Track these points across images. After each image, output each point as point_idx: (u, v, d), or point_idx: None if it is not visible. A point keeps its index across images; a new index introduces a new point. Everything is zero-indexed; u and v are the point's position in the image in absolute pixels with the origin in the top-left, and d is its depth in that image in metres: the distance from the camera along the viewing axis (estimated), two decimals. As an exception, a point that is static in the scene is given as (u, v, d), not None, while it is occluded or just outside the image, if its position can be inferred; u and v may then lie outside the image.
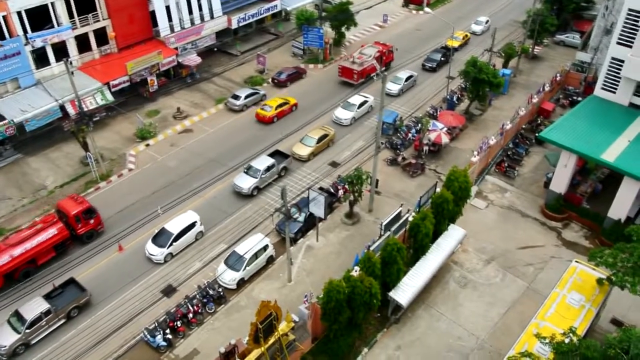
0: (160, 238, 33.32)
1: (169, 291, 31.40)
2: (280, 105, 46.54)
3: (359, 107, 46.74)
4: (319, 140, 42.53)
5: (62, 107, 42.14)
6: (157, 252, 32.75)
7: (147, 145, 43.52)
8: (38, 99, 41.91)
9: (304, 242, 34.72)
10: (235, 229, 35.60)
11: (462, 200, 32.28)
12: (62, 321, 29.43)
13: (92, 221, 34.07)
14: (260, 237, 32.17)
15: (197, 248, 34.29)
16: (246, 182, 37.91)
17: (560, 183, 36.71)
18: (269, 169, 38.67)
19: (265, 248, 32.51)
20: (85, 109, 40.44)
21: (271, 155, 40.15)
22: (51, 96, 42.12)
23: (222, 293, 30.69)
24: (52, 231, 32.02)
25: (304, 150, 41.88)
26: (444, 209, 30.72)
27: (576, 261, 29.08)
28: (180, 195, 38.10)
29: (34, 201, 38.05)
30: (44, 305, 28.59)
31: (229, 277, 31.05)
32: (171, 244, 32.91)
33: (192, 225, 34.08)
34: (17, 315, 28.40)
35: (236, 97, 47.84)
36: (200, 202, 37.50)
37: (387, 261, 27.54)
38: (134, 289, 31.59)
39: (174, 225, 33.69)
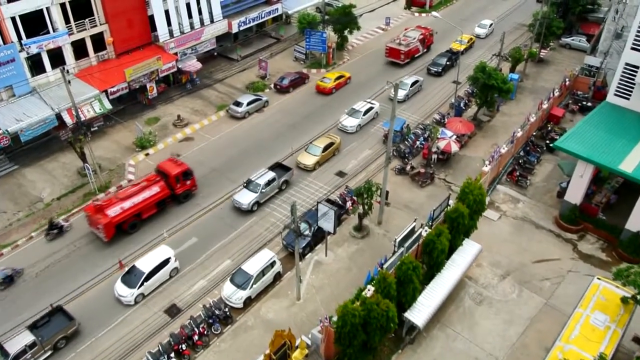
0: (130, 277, 30.45)
1: (172, 312, 30.00)
2: (337, 78, 51.08)
3: (364, 114, 45.47)
4: (325, 149, 41.17)
5: (58, 116, 40.70)
6: (127, 293, 29.94)
7: (147, 154, 42.14)
8: (33, 107, 40.46)
9: (312, 257, 33.42)
10: (241, 244, 34.21)
11: (476, 213, 31.03)
12: (49, 353, 27.74)
13: (188, 182, 37.00)
14: (268, 254, 30.88)
15: (202, 265, 32.90)
16: (246, 198, 36.24)
17: (575, 193, 35.53)
18: (269, 183, 36.96)
19: (272, 264, 31.18)
20: (83, 118, 39.10)
21: (271, 168, 38.37)
22: (47, 105, 40.68)
23: (228, 313, 29.35)
24: (155, 189, 35.07)
25: (309, 160, 40.51)
26: (460, 224, 29.49)
27: (598, 278, 27.89)
28: (182, 208, 36.74)
29: (30, 215, 36.60)
30: (29, 338, 26.92)
31: (235, 296, 29.69)
32: (142, 284, 30.20)
33: (166, 262, 31.23)
34: (1, 349, 26.73)
35: (238, 104, 46.51)
36: (204, 216, 36.07)
37: (402, 280, 26.29)
38: (135, 310, 30.19)
39: (145, 263, 30.77)
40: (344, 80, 51.68)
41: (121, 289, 30.37)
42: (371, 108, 46.14)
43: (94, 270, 32.12)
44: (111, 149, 42.57)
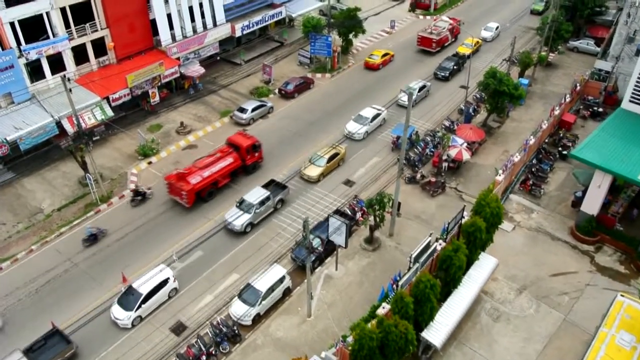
0: (127, 299, 29.00)
1: (178, 330, 28.89)
2: (384, 55, 55.38)
3: (372, 121, 44.40)
4: (329, 159, 39.77)
5: (59, 124, 39.55)
6: (124, 316, 28.48)
7: (150, 163, 41.02)
8: (33, 115, 39.28)
9: (322, 271, 32.34)
10: (247, 257, 33.08)
11: (493, 226, 29.96)
12: None
13: (257, 154, 39.32)
14: (277, 269, 29.79)
15: (208, 279, 31.79)
16: (238, 218, 33.93)
17: (592, 204, 34.52)
18: (263, 202, 34.92)
19: (281, 279, 30.09)
20: (84, 126, 37.97)
21: (266, 186, 36.47)
22: (47, 112, 39.48)
23: (236, 331, 28.24)
24: (229, 159, 37.44)
25: (313, 171, 39.04)
26: (477, 238, 28.43)
27: (621, 295, 26.86)
28: (187, 220, 35.68)
29: (30, 226, 35.47)
30: None
31: (244, 313, 28.58)
32: (139, 306, 28.81)
33: (165, 282, 29.84)
34: None
35: (243, 110, 45.41)
36: (209, 226, 34.96)
37: (419, 299, 25.22)
38: (140, 328, 29.07)
39: (143, 284, 29.24)
40: (389, 57, 55.81)
41: (117, 312, 28.80)
42: (378, 114, 45.03)
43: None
44: (113, 157, 41.42)
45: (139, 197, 37.19)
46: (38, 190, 38.16)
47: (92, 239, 34.06)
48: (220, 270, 32.34)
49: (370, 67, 54.74)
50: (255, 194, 35.30)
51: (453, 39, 60.63)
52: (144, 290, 29.09)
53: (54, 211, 36.63)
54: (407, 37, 61.90)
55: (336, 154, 40.34)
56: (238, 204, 35.06)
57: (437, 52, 57.93)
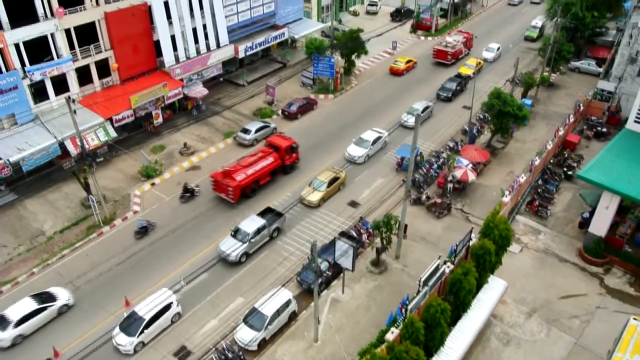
0: (129, 324, 28.34)
1: (183, 356, 28.26)
2: (407, 62, 58.92)
3: (373, 144, 43.89)
4: (330, 183, 39.08)
5: (61, 145, 39.35)
6: (126, 342, 27.79)
7: (153, 184, 40.70)
8: (36, 136, 39.09)
9: (328, 294, 31.82)
10: (252, 280, 32.60)
11: (502, 249, 29.58)
12: None
13: (294, 155, 41.46)
14: (282, 292, 29.30)
15: (213, 303, 31.24)
16: (233, 248, 32.92)
17: (600, 225, 34.20)
18: (259, 231, 33.94)
19: (287, 303, 29.57)
20: (87, 147, 37.71)
21: (261, 213, 35.68)
22: (50, 133, 39.32)
23: (242, 356, 27.58)
24: (270, 159, 39.58)
25: (314, 196, 38.27)
26: (486, 261, 28.02)
27: (634, 318, 26.36)
28: (188, 243, 35.25)
29: (31, 249, 34.99)
30: None
31: (250, 338, 28.00)
32: (142, 332, 28.11)
33: (168, 307, 29.26)
34: None
35: (246, 131, 45.27)
36: (210, 250, 34.50)
37: (429, 324, 24.73)
38: (142, 353, 28.45)
39: (145, 309, 28.58)
40: (412, 64, 59.48)
41: (119, 338, 28.09)
42: (379, 137, 44.59)
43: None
44: (116, 178, 41.12)
45: (188, 193, 38.84)
46: (40, 212, 37.78)
47: (143, 231, 35.64)
48: (224, 294, 31.80)
49: (394, 73, 58.03)
50: (250, 222, 34.40)
51: (467, 52, 63.25)
52: (147, 315, 28.46)
53: (56, 233, 36.20)
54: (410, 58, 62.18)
55: (336, 178, 39.67)
56: (233, 233, 34.10)
57: (452, 64, 60.39)
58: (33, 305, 29.32)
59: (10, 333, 28.33)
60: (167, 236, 35.78)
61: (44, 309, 29.48)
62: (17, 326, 28.50)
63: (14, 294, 31.72)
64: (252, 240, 33.68)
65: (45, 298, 30.01)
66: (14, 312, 28.85)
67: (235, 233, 34.05)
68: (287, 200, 38.50)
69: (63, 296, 30.51)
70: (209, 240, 35.44)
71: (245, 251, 33.51)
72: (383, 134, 45.06)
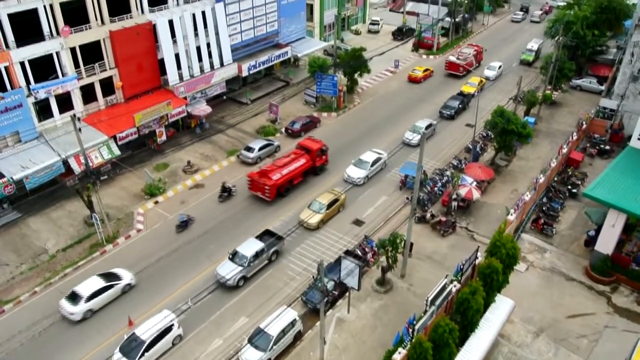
0: (129, 347, 27.66)
1: (187, 376, 27.94)
2: (425, 71, 62.38)
3: (372, 165, 43.49)
4: (329, 205, 38.56)
5: (65, 162, 39.29)
6: None
7: (156, 202, 40.55)
8: (40, 153, 39.05)
9: (333, 314, 31.47)
10: (256, 300, 32.26)
11: (509, 267, 29.34)
12: None
13: (324, 157, 43.73)
14: (287, 312, 28.95)
15: (217, 322, 30.89)
16: (231, 272, 32.16)
17: (607, 244, 34.04)
18: (257, 255, 33.36)
19: (292, 323, 29.23)
20: (91, 164, 37.64)
21: (260, 236, 35.01)
22: (54, 151, 39.27)
23: (247, 377, 27.24)
24: (302, 160, 41.82)
25: (313, 218, 37.51)
26: (493, 280, 27.78)
27: (644, 338, 26.07)
28: (195, 259, 35.03)
29: (34, 267, 34.71)
30: None
31: (255, 359, 27.60)
32: (142, 354, 27.49)
33: (169, 330, 28.66)
34: None
35: (249, 149, 45.27)
36: (213, 269, 34.20)
37: (437, 344, 24.42)
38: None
39: (145, 331, 27.97)
40: (429, 72, 62.89)
41: None
42: (379, 159, 44.25)
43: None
44: (119, 196, 41.00)
45: (226, 193, 40.62)
46: (43, 230, 37.58)
47: (184, 225, 37.45)
48: (228, 314, 31.46)
49: (413, 80, 61.41)
50: (249, 246, 33.83)
51: (477, 64, 65.46)
52: (147, 337, 27.94)
53: (59, 251, 35.96)
54: (411, 76, 62.68)
55: (336, 200, 39.26)
56: (231, 257, 33.49)
57: (464, 76, 62.75)
58: (101, 282, 31.61)
59: (81, 307, 30.50)
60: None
61: (111, 286, 31.78)
62: (88, 301, 30.66)
63: (15, 313, 31.46)
64: (251, 264, 33.04)
65: (111, 277, 32.28)
66: (84, 289, 31.05)
67: (233, 256, 33.41)
68: (290, 223, 38.10)
69: (126, 276, 32.74)
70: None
71: (243, 275, 32.90)
72: (382, 155, 44.63)
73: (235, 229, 37.63)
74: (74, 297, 30.81)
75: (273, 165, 41.03)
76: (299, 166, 41.35)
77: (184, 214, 38.30)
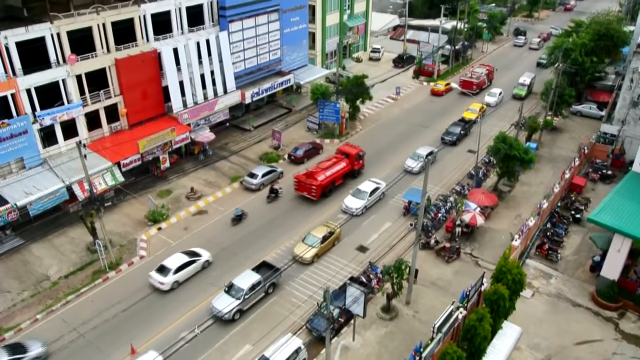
0: None
1: (190, 406, 27.47)
2: (446, 84, 67.30)
3: (370, 195, 43.07)
4: (324, 239, 37.58)
5: (69, 189, 39.35)
6: None
7: (159, 229, 40.46)
8: (44, 180, 39.14)
9: (338, 341, 31.09)
10: (260, 327, 31.91)
11: (515, 294, 29.13)
12: None
13: (361, 161, 47.22)
14: (292, 339, 28.56)
15: (220, 350, 30.50)
16: (227, 305, 31.38)
17: (613, 269, 33.83)
18: (254, 287, 32.74)
19: (297, 351, 28.85)
20: (95, 191, 37.68)
21: (257, 268, 34.59)
22: (58, 177, 39.39)
23: (251, 407, 26.78)
24: (343, 164, 45.28)
25: (307, 252, 35.92)
26: (500, 306, 27.54)
27: (654, 366, 25.74)
28: (200, 286, 34.77)
29: (36, 294, 34.43)
30: None
31: (259, 387, 27.22)
32: None
33: None
34: None
35: (253, 176, 45.36)
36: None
37: (445, 372, 24.08)
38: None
39: None
40: (449, 87, 67.66)
41: None
42: (377, 188, 43.84)
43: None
44: (122, 222, 40.93)
45: (273, 194, 43.49)
46: (45, 257, 37.40)
47: (239, 218, 40.67)
48: (232, 342, 31.09)
49: (435, 94, 66.58)
50: (245, 278, 33.27)
51: (489, 83, 69.51)
52: None
53: (61, 278, 35.72)
54: (412, 103, 63.23)
55: (331, 233, 38.32)
56: (227, 289, 32.91)
57: (477, 94, 66.16)
58: (185, 258, 35.27)
59: (170, 278, 34.09)
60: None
61: (194, 261, 35.46)
62: (175, 273, 34.27)
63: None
64: (247, 296, 32.45)
65: (192, 254, 35.97)
66: (171, 262, 34.81)
67: (229, 289, 32.83)
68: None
69: (205, 254, 36.55)
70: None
71: (239, 308, 32.29)
72: (381, 185, 44.32)
73: (244, 251, 38.08)
74: (162, 269, 34.32)
75: (317, 167, 44.13)
76: (340, 169, 44.67)
77: (239, 208, 41.53)
